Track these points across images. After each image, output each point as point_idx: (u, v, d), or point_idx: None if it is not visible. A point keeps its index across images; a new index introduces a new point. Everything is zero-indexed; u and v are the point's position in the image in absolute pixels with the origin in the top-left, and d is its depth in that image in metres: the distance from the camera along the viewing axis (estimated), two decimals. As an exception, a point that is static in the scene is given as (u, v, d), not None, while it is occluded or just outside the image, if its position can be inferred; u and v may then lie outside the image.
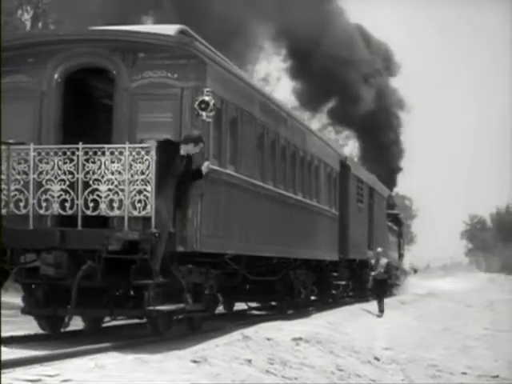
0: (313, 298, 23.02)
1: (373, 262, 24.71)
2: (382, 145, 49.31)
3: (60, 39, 12.93)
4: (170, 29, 13.02)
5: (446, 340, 16.95)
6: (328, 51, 41.08)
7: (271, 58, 45.26)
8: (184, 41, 12.48)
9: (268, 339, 11.32)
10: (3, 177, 12.12)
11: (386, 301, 27.59)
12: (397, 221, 42.17)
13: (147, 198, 11.61)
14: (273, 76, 49.36)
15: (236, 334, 11.73)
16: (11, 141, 12.13)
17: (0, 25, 23.91)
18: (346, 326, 16.54)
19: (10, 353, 10.22)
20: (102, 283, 11.89)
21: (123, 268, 11.89)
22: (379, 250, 24.87)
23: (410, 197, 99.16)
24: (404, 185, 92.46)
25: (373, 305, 25.01)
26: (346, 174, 25.27)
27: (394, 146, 50.61)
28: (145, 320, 13.32)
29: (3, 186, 12.10)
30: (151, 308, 11.73)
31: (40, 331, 13.11)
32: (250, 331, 11.91)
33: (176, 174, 12.00)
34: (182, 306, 12.42)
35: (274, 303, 20.47)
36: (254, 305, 21.46)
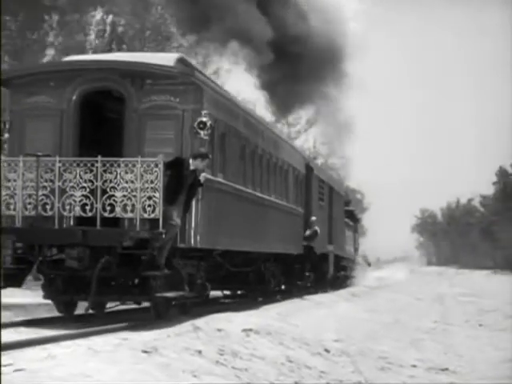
0: (277, 288, 25.24)
1: (308, 232, 26.00)
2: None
3: (78, 68, 15.06)
4: (170, 57, 15.42)
5: (396, 332, 16.86)
6: None
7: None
8: (186, 72, 14.76)
9: (219, 330, 11.47)
10: (33, 184, 14.31)
11: (339, 293, 29.06)
12: (352, 217, 44.41)
13: (156, 203, 13.78)
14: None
15: (187, 325, 11.92)
16: (39, 153, 14.33)
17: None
18: (296, 317, 16.57)
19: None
20: (116, 274, 14.09)
21: (133, 261, 14.03)
22: (313, 218, 26.17)
23: (362, 190, 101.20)
24: (355, 177, 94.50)
25: (331, 295, 26.85)
26: (310, 176, 27.63)
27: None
28: (139, 306, 15.56)
29: (33, 192, 14.32)
30: (159, 295, 13.91)
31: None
32: (200, 322, 12.02)
33: (186, 184, 14.14)
34: (181, 293, 14.51)
35: (245, 291, 22.91)
36: (228, 292, 23.84)
